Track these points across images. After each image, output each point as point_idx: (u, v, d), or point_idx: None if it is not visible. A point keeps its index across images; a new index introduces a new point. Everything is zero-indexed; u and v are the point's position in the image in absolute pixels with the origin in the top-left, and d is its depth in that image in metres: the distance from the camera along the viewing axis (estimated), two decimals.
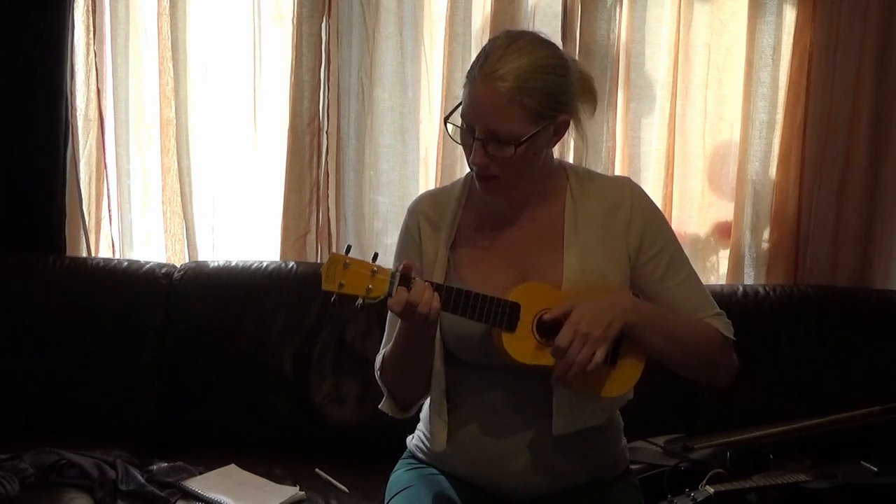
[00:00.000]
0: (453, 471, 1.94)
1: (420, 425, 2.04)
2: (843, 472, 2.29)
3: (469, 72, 1.77)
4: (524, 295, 1.77)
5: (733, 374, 1.94)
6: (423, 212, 1.94)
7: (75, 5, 2.91)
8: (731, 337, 1.91)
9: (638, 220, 1.88)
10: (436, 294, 1.71)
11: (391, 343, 1.90)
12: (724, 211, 3.00)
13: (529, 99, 1.72)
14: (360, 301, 1.69)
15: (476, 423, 1.88)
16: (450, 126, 1.84)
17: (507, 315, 1.75)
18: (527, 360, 1.77)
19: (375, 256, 1.72)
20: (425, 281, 1.72)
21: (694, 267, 1.98)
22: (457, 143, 1.84)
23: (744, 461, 2.32)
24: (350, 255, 1.70)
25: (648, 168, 2.96)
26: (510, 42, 1.75)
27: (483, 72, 1.73)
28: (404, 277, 1.69)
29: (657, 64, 2.92)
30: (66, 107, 2.94)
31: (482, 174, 1.80)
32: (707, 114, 2.94)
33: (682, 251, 1.94)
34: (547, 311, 1.76)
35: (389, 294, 1.69)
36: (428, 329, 1.77)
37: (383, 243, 3.00)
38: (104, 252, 3.09)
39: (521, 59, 1.72)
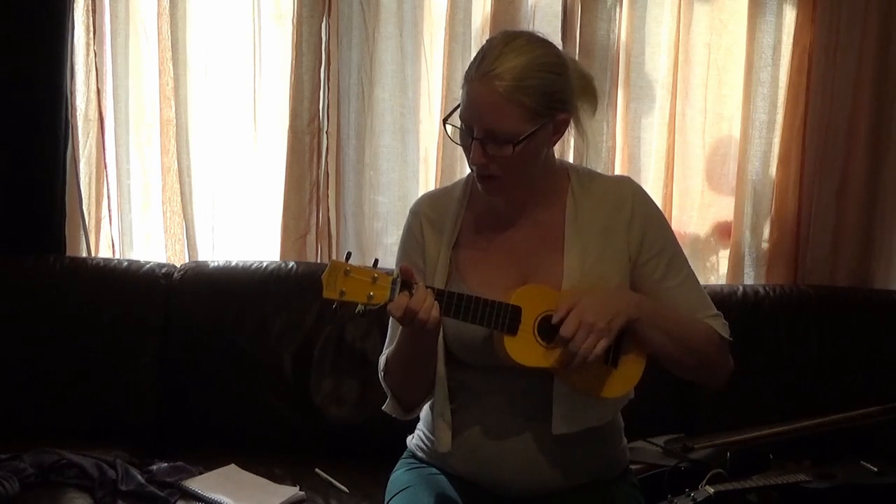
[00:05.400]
0: (454, 470, 1.94)
1: (420, 425, 2.04)
2: (843, 472, 2.30)
3: (466, 72, 1.78)
4: (524, 297, 1.77)
5: (728, 375, 1.94)
6: (425, 213, 1.94)
7: (75, 5, 2.91)
8: (728, 338, 1.91)
9: (639, 219, 1.88)
10: (436, 302, 1.71)
11: (394, 346, 1.90)
12: (724, 211, 3.00)
13: (527, 97, 1.72)
14: (360, 307, 1.69)
15: (478, 423, 1.89)
16: (449, 127, 1.84)
17: (509, 318, 1.75)
18: (529, 362, 1.78)
19: (376, 262, 1.72)
20: (427, 287, 1.72)
21: (694, 267, 1.98)
22: (456, 143, 1.84)
23: (744, 461, 2.32)
24: (351, 257, 1.71)
25: (648, 168, 2.96)
26: (507, 42, 1.75)
27: (480, 72, 1.73)
28: (405, 283, 1.69)
29: (657, 64, 2.92)
30: (66, 107, 2.94)
31: (482, 174, 1.80)
32: (707, 114, 2.94)
33: (682, 252, 1.95)
34: (549, 312, 1.77)
35: (391, 300, 1.69)
36: (429, 335, 1.77)
37: (383, 243, 3.00)
38: (104, 252, 3.09)
39: (518, 58, 1.72)
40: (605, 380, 1.82)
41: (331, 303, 1.68)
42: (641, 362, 1.84)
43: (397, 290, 1.69)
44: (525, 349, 1.77)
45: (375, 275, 1.68)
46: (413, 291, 1.69)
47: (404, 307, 1.68)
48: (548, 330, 1.78)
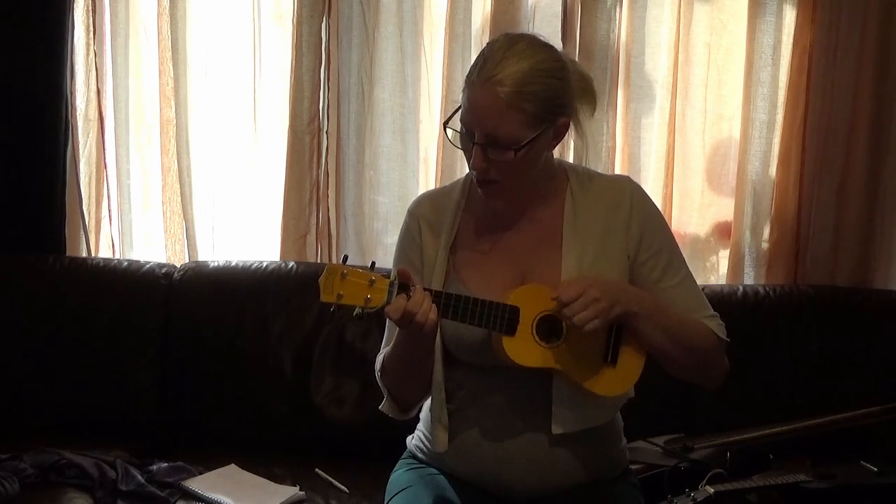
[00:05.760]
0: (453, 471, 1.94)
1: (420, 425, 2.04)
2: (843, 472, 2.30)
3: (468, 76, 1.77)
4: (522, 297, 1.77)
5: (724, 376, 1.95)
6: (423, 215, 1.94)
7: (75, 5, 2.91)
8: (725, 339, 1.91)
9: (637, 219, 1.88)
10: (433, 304, 1.71)
11: (391, 346, 1.90)
12: (724, 211, 3.00)
13: (528, 103, 1.72)
14: (358, 311, 1.68)
15: (476, 424, 1.88)
16: (450, 131, 1.83)
17: (507, 319, 1.75)
18: (527, 362, 1.78)
19: (373, 265, 1.71)
20: (424, 289, 1.72)
21: (694, 267, 1.98)
22: (457, 147, 1.83)
23: (744, 461, 2.32)
24: (349, 257, 1.70)
25: (648, 168, 2.96)
26: (508, 46, 1.75)
27: (482, 76, 1.72)
28: (403, 286, 1.69)
29: (657, 64, 2.92)
30: (66, 107, 2.94)
31: (482, 178, 1.80)
32: (707, 114, 2.94)
33: (680, 252, 1.95)
34: (548, 312, 1.77)
35: (388, 303, 1.69)
36: (426, 337, 1.77)
37: (383, 243, 3.00)
38: (104, 252, 3.09)
39: (519, 64, 1.71)
40: (604, 379, 1.82)
41: (328, 306, 1.68)
42: (640, 361, 1.85)
43: (394, 293, 1.69)
44: (524, 349, 1.77)
45: (373, 277, 1.68)
46: (410, 294, 1.69)
47: (402, 310, 1.68)
48: (546, 330, 1.78)
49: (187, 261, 3.03)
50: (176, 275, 2.86)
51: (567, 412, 1.83)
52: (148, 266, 2.88)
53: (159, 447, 2.70)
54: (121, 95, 3.00)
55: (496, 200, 1.86)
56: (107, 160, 3.04)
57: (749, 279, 2.97)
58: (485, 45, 1.82)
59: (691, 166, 2.97)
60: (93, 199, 3.05)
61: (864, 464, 2.36)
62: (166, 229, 3.07)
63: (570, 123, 1.83)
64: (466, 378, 1.89)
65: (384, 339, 1.96)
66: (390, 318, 1.71)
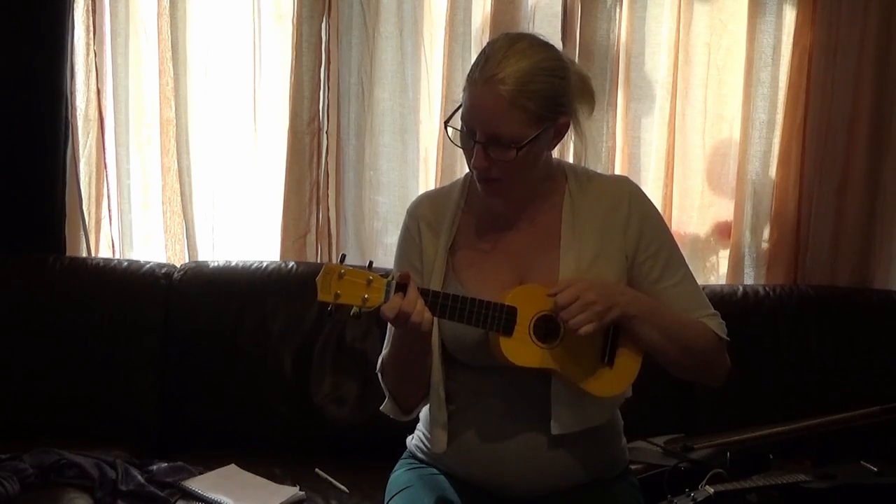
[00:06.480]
0: (453, 471, 1.94)
1: (420, 425, 2.04)
2: (843, 472, 2.30)
3: (469, 75, 1.77)
4: (519, 298, 1.77)
5: (725, 374, 1.95)
6: (423, 215, 1.94)
7: (75, 5, 2.91)
8: (725, 337, 1.91)
9: (636, 219, 1.88)
10: (429, 304, 1.70)
11: (389, 346, 1.90)
12: (724, 211, 3.00)
13: (530, 102, 1.72)
14: (355, 310, 1.68)
15: (476, 425, 1.88)
16: (450, 129, 1.84)
17: (504, 319, 1.75)
18: (525, 363, 1.78)
19: (370, 265, 1.71)
20: (422, 289, 1.72)
21: (694, 267, 1.98)
22: (457, 146, 1.83)
23: (744, 461, 2.32)
24: (348, 257, 1.70)
25: (648, 168, 2.96)
26: (510, 45, 1.75)
27: (483, 75, 1.72)
28: (399, 286, 1.69)
29: (657, 64, 2.92)
30: (66, 107, 2.94)
31: (483, 177, 1.80)
32: (707, 114, 2.94)
33: (679, 252, 1.94)
34: (545, 312, 1.77)
35: (385, 302, 1.69)
36: (422, 337, 1.77)
37: (383, 243, 3.00)
38: (104, 252, 3.09)
39: (521, 62, 1.72)
40: (602, 379, 1.82)
41: (325, 306, 1.68)
42: (637, 361, 1.85)
43: (392, 293, 1.69)
44: (521, 350, 1.77)
45: (370, 277, 1.68)
46: (407, 293, 1.69)
47: (397, 308, 1.68)
48: (544, 330, 1.78)
49: (187, 261, 3.03)
50: (176, 275, 2.86)
51: (566, 412, 1.83)
52: (148, 266, 2.88)
53: (159, 447, 2.70)
54: (121, 95, 3.00)
55: (496, 198, 1.86)
56: (107, 160, 3.04)
57: (749, 279, 2.97)
58: (485, 44, 1.82)
59: (691, 166, 2.97)
60: (93, 199, 3.04)
61: (864, 464, 2.36)
62: (166, 229, 3.07)
63: (570, 123, 1.83)
64: (465, 379, 1.89)
65: (385, 340, 1.96)
66: (385, 318, 1.71)
